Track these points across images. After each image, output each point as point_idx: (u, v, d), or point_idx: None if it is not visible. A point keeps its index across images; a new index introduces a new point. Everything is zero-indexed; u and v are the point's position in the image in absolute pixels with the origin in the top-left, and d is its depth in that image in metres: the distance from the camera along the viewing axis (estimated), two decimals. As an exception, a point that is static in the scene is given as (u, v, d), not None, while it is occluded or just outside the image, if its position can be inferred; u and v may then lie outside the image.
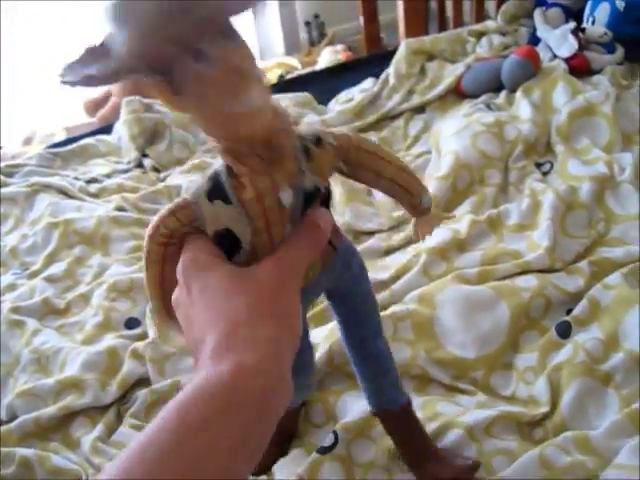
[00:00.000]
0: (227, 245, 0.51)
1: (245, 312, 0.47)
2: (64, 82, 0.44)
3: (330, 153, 0.53)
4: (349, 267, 0.64)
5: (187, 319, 0.51)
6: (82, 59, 0.44)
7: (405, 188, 0.60)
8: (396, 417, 0.75)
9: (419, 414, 0.80)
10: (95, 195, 1.43)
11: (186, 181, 1.40)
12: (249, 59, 0.45)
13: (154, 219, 0.53)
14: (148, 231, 0.54)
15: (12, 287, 1.17)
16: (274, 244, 0.52)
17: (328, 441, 0.80)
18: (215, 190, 0.49)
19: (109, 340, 1.02)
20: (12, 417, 0.93)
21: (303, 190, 0.51)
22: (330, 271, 0.60)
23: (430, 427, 0.79)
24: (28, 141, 2.61)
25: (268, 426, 0.45)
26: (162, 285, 0.57)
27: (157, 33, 0.41)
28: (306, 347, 0.70)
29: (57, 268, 1.20)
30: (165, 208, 0.52)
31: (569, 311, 0.94)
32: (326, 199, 0.56)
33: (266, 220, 0.50)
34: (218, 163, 0.50)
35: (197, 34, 0.41)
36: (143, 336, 1.03)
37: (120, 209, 1.33)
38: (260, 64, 3.04)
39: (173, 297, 0.54)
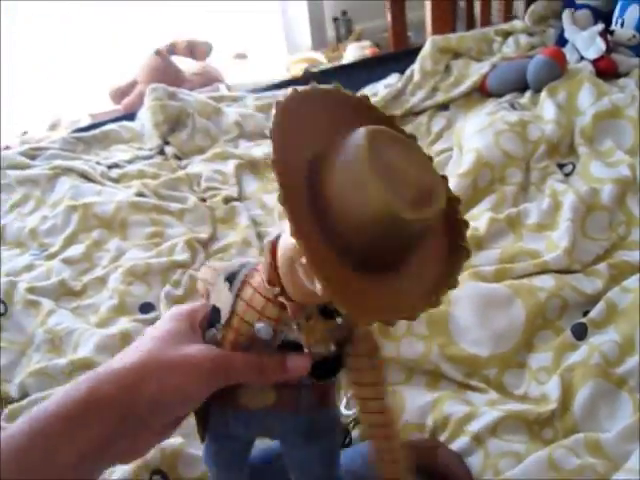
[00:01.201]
0: (213, 321, 0.54)
1: (136, 358, 0.49)
2: None
3: (326, 335, 0.52)
4: (311, 440, 0.57)
5: None
6: None
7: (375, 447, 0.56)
8: None
9: (429, 419, 0.81)
10: (116, 180, 1.44)
11: (207, 169, 1.40)
12: None
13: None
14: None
15: (30, 267, 1.18)
16: None
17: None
18: (232, 275, 0.53)
19: (123, 323, 1.02)
20: (24, 395, 0.94)
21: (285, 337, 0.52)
22: (283, 423, 0.56)
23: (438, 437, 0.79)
24: (54, 126, 2.63)
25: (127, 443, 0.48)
26: None
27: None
28: None
29: (75, 250, 1.21)
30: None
31: (586, 313, 0.93)
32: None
33: (236, 333, 0.52)
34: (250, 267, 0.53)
35: None
36: (156, 321, 1.03)
37: (140, 195, 1.33)
38: (286, 58, 3.05)
39: None
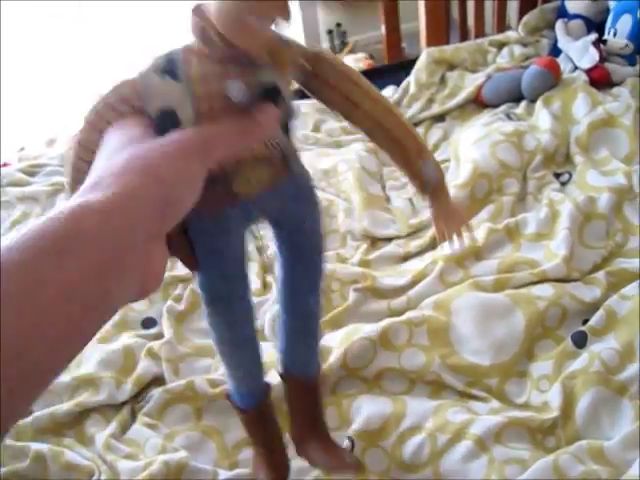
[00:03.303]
0: (167, 125, 0.48)
1: (123, 161, 0.43)
2: None
3: (294, 50, 0.51)
4: (302, 201, 0.58)
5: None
6: None
7: (393, 136, 0.55)
8: (302, 386, 0.69)
9: (430, 421, 0.81)
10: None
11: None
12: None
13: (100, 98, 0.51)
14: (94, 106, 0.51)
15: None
16: None
17: (345, 446, 0.80)
18: (167, 66, 0.48)
19: (125, 339, 1.02)
20: (28, 412, 0.94)
21: (260, 84, 0.48)
22: (279, 195, 0.55)
23: (439, 440, 0.79)
24: (51, 142, 2.64)
25: (112, 282, 0.39)
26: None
27: None
28: (247, 306, 0.62)
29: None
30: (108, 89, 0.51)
31: (585, 321, 0.94)
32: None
33: (210, 106, 0.48)
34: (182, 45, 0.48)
35: None
36: (159, 336, 1.03)
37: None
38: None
39: None
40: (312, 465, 0.72)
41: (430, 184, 0.59)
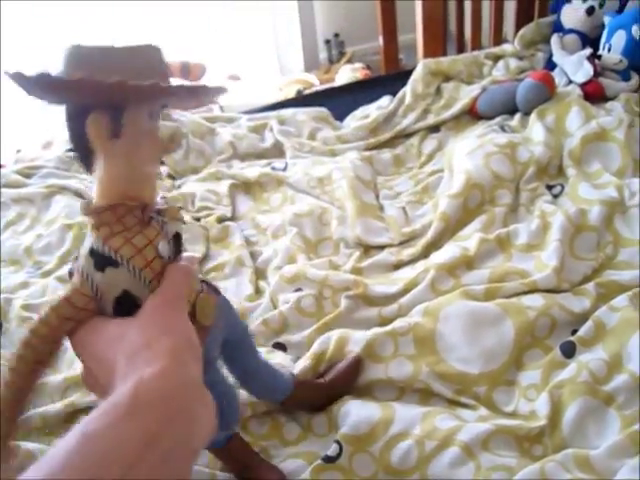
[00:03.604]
0: (127, 308, 0.52)
1: (139, 337, 0.48)
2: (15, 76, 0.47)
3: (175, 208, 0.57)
4: (230, 307, 0.73)
5: (96, 380, 0.52)
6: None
7: None
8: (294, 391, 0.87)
9: (418, 428, 0.82)
10: (110, 199, 1.45)
11: (200, 189, 1.42)
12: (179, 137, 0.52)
13: (43, 312, 0.52)
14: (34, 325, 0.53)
15: (25, 285, 1.19)
16: None
17: (332, 451, 0.81)
18: (100, 261, 0.51)
19: (117, 341, 1.03)
20: (19, 412, 0.94)
21: (171, 237, 0.55)
22: (221, 314, 0.66)
23: (427, 446, 0.80)
24: (47, 145, 2.64)
25: (179, 429, 0.46)
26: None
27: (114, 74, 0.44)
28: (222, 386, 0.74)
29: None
30: (53, 299, 0.53)
31: (574, 331, 0.95)
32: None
33: (153, 271, 0.52)
34: (87, 242, 0.52)
35: (154, 95, 0.46)
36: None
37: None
38: (279, 80, 3.07)
39: (83, 377, 0.55)
40: None
41: None
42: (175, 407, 0.45)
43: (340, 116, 1.71)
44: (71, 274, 0.53)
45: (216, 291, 0.66)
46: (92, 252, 0.51)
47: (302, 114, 1.65)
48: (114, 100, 0.47)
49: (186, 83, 0.46)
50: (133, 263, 0.51)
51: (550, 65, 1.67)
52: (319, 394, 0.89)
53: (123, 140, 0.49)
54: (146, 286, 0.53)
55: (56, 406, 0.92)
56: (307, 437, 0.87)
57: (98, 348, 0.51)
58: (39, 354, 0.54)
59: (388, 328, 0.96)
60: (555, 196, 1.26)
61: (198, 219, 1.35)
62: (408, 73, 1.72)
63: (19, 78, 0.46)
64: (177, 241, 0.57)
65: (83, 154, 0.52)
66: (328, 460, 0.80)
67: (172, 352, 0.47)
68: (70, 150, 1.73)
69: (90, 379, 0.54)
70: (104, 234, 0.51)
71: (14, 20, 2.74)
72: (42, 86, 0.47)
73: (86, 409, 0.94)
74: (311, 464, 0.81)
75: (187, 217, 1.34)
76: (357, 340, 0.94)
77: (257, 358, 0.81)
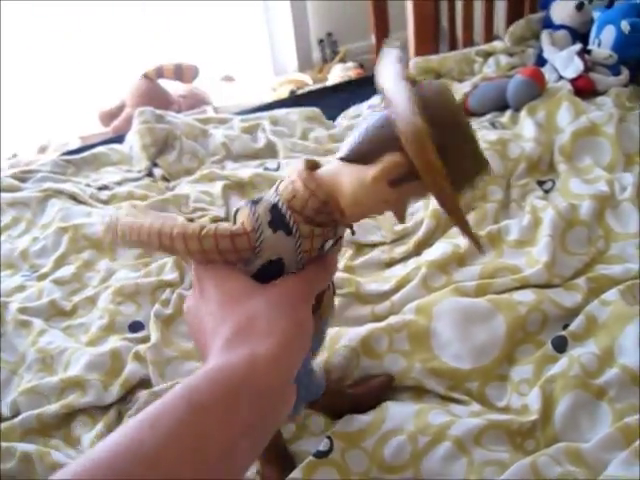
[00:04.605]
0: (272, 273, 0.55)
1: (263, 309, 0.49)
2: None
3: None
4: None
5: (197, 319, 0.54)
6: None
7: None
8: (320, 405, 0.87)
9: (410, 425, 0.82)
10: (105, 202, 1.45)
11: (194, 190, 1.42)
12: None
13: (207, 228, 0.54)
14: (193, 232, 0.55)
15: (21, 288, 1.20)
16: None
17: (324, 446, 0.81)
18: (278, 221, 0.54)
19: (113, 342, 1.03)
20: (15, 414, 0.95)
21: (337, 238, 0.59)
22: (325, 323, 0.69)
23: (420, 442, 0.80)
24: (43, 149, 2.65)
25: (271, 421, 0.47)
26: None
27: None
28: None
29: (65, 271, 1.22)
30: (221, 225, 0.55)
31: (566, 326, 0.95)
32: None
33: (309, 257, 0.55)
34: (269, 195, 0.55)
35: None
36: (146, 339, 1.04)
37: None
38: (272, 80, 3.08)
39: (185, 306, 0.57)
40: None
41: None
42: (274, 401, 0.47)
43: (333, 115, 1.71)
44: (235, 215, 0.56)
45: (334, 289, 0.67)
46: (274, 208, 0.54)
47: (294, 114, 1.66)
48: None
49: None
50: (301, 242, 0.54)
51: (540, 61, 1.67)
52: (345, 403, 0.88)
53: (401, 190, 0.50)
54: (298, 266, 0.55)
55: (52, 407, 0.93)
56: (302, 436, 0.87)
57: (222, 292, 0.52)
58: (167, 248, 0.56)
59: (383, 324, 0.96)
60: (546, 191, 1.26)
61: (192, 220, 1.35)
62: (400, 71, 1.72)
63: None
64: (337, 241, 0.60)
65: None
66: (319, 455, 0.80)
67: (288, 338, 0.48)
68: (66, 153, 1.74)
69: (189, 312, 0.56)
70: (294, 205, 0.53)
71: (14, 20, 2.74)
72: None
73: (83, 410, 0.94)
74: (306, 463, 0.81)
75: (181, 218, 1.34)
76: (352, 335, 0.95)
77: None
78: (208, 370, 0.45)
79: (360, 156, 0.52)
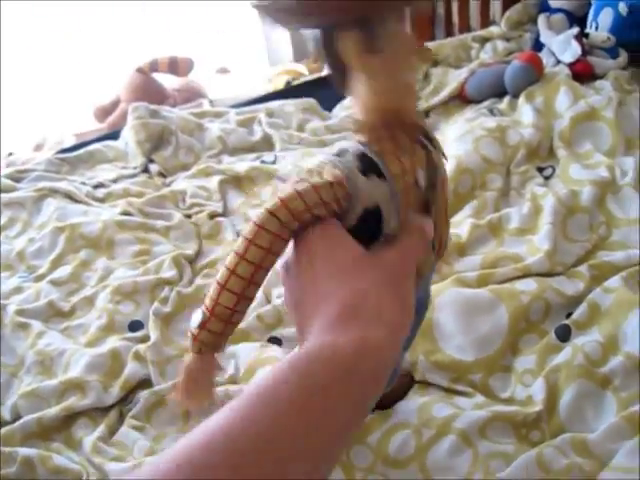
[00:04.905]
0: (369, 225, 0.52)
1: (373, 288, 0.47)
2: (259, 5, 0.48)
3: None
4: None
5: (298, 286, 0.51)
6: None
7: None
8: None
9: (415, 418, 0.82)
10: (101, 200, 1.44)
11: (191, 186, 1.41)
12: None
13: (303, 185, 0.52)
14: (269, 208, 0.52)
15: (18, 290, 1.19)
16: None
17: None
18: (367, 166, 0.51)
19: (112, 342, 1.03)
20: (16, 417, 0.94)
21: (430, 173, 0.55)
22: (425, 281, 0.66)
23: (424, 436, 0.80)
24: (39, 147, 2.64)
25: (369, 404, 0.46)
26: (236, 303, 0.53)
27: None
28: None
29: (63, 271, 1.21)
30: (313, 179, 0.52)
31: (569, 315, 0.94)
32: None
33: (407, 199, 0.53)
34: (349, 144, 0.53)
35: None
36: (145, 339, 1.04)
37: (125, 213, 1.34)
38: (268, 70, 3.06)
39: (281, 261, 0.54)
40: None
41: None
42: (378, 388, 0.45)
43: (329, 106, 1.70)
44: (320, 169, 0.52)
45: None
46: (363, 156, 0.52)
47: (290, 105, 1.65)
48: (364, 14, 0.46)
49: None
50: (395, 182, 0.51)
51: (538, 46, 1.66)
52: None
53: (382, 53, 0.47)
54: (395, 211, 0.52)
55: (52, 410, 0.92)
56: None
57: (330, 263, 0.49)
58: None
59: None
60: (546, 178, 1.25)
61: (189, 216, 1.34)
62: (396, 60, 1.71)
63: (264, 8, 0.47)
64: (433, 173, 0.56)
65: (339, 75, 0.51)
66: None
67: (396, 325, 0.47)
68: (61, 151, 1.72)
69: (288, 272, 0.54)
70: (378, 147, 0.51)
71: (14, 20, 2.72)
72: (290, 12, 0.48)
73: (84, 412, 0.94)
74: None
75: (178, 215, 1.33)
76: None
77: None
78: (317, 349, 0.43)
79: None
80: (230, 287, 0.52)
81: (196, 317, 0.54)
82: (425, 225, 0.54)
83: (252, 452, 0.38)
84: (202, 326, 0.54)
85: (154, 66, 2.72)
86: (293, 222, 0.51)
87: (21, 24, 2.78)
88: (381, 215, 0.52)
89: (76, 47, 2.90)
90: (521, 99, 1.42)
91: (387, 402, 0.85)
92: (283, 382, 0.41)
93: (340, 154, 0.53)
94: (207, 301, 0.54)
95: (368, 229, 0.52)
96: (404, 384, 0.89)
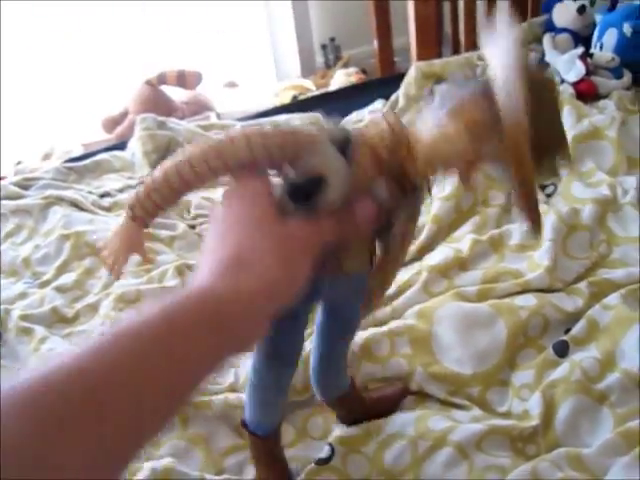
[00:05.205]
0: (309, 190, 0.54)
1: (263, 247, 0.50)
2: None
3: None
4: (359, 293, 0.68)
5: (209, 231, 0.54)
6: None
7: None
8: (343, 400, 0.84)
9: (411, 430, 0.82)
10: (107, 209, 1.46)
11: (196, 197, 1.42)
12: None
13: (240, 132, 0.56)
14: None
15: (23, 295, 1.20)
16: None
17: (325, 453, 0.81)
18: (342, 141, 0.55)
19: (114, 349, 1.03)
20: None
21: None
22: (354, 282, 0.65)
23: (420, 447, 0.80)
24: (47, 157, 2.66)
25: (232, 350, 0.48)
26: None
27: None
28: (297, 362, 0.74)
29: (67, 278, 1.23)
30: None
31: (567, 331, 0.95)
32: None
33: (355, 189, 0.55)
34: (351, 127, 0.56)
35: None
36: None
37: (131, 223, 1.35)
38: (275, 85, 3.08)
39: (211, 214, 0.58)
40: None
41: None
42: (244, 335, 0.49)
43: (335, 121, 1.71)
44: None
45: (372, 264, 0.65)
46: (347, 135, 0.55)
47: (296, 120, 1.66)
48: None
49: None
50: (355, 170, 0.55)
51: (543, 64, 1.67)
52: (360, 408, 0.87)
53: None
54: (339, 193, 0.55)
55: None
56: (302, 440, 0.88)
57: (237, 215, 0.53)
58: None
59: (385, 328, 0.96)
60: (548, 195, 1.26)
61: (193, 226, 1.35)
62: (402, 76, 1.72)
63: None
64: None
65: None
66: (321, 462, 0.80)
67: (271, 286, 0.49)
68: (68, 161, 1.74)
69: (212, 224, 0.56)
70: (371, 138, 0.55)
71: (14, 20, 2.75)
72: None
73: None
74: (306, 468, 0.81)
75: (182, 225, 1.35)
76: (354, 339, 0.95)
77: (345, 347, 0.79)
78: (193, 293, 0.47)
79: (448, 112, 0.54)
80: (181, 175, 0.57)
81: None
82: (360, 211, 0.56)
83: (109, 384, 0.39)
84: (147, 195, 0.58)
85: (162, 79, 2.75)
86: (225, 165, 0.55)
87: (29, 30, 2.81)
88: (326, 186, 0.54)
89: (83, 54, 2.92)
90: (525, 117, 1.42)
91: (379, 412, 0.86)
92: (152, 323, 0.43)
93: (337, 128, 0.56)
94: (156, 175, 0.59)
95: (311, 192, 0.54)
96: (397, 395, 0.90)
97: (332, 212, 0.55)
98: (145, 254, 0.63)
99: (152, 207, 0.58)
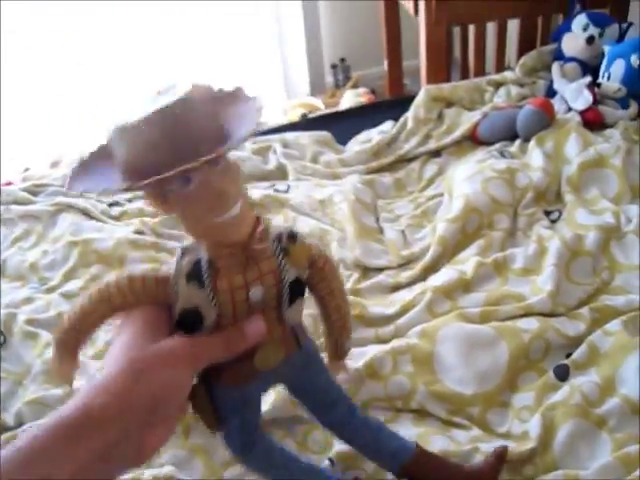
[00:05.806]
0: (190, 321, 0.58)
1: (123, 367, 0.52)
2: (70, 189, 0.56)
3: (305, 248, 0.62)
4: (308, 367, 0.70)
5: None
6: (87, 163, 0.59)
7: (345, 322, 0.71)
8: (416, 460, 0.76)
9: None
10: (116, 218, 1.47)
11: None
12: (231, 178, 0.53)
13: (133, 272, 0.58)
14: (123, 274, 0.59)
15: (29, 300, 1.21)
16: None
17: (325, 467, 0.82)
18: (193, 273, 0.56)
19: (118, 356, 1.04)
20: (19, 424, 0.96)
21: (287, 282, 0.59)
22: (290, 365, 0.67)
23: None
24: (55, 164, 2.67)
25: (115, 465, 0.51)
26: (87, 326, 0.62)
27: (149, 157, 0.50)
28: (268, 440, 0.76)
29: (74, 285, 1.23)
30: (148, 268, 0.59)
31: (568, 355, 0.96)
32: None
33: (234, 310, 0.58)
34: (202, 251, 0.56)
35: (181, 161, 0.48)
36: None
37: (139, 232, 1.36)
38: (284, 103, 3.10)
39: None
40: None
41: (344, 353, 0.75)
42: (103, 445, 0.50)
43: (343, 140, 1.72)
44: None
45: (298, 343, 0.67)
46: (197, 263, 0.56)
47: (305, 137, 1.67)
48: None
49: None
50: (218, 296, 0.56)
51: (551, 92, 1.69)
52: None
53: (171, 203, 0.53)
54: (214, 317, 0.58)
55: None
56: (303, 454, 0.88)
57: (120, 343, 0.55)
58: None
59: (387, 347, 0.97)
60: (553, 221, 1.27)
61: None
62: (411, 99, 1.74)
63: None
64: (297, 286, 0.61)
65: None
66: (322, 477, 0.81)
67: (120, 398, 0.51)
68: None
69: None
70: (218, 263, 0.56)
71: (14, 20, 2.77)
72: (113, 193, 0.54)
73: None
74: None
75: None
76: (356, 357, 0.95)
77: (352, 423, 0.75)
78: (62, 411, 0.50)
79: None
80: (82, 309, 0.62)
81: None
82: (246, 326, 0.59)
83: None
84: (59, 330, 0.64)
85: (173, 92, 2.76)
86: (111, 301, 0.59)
87: (31, 23, 2.82)
88: (202, 315, 0.57)
89: (76, 47, 2.93)
90: (532, 143, 1.44)
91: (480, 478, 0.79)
92: (32, 437, 0.48)
93: (185, 252, 0.57)
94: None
95: (189, 322, 0.58)
96: (499, 458, 0.80)
97: (221, 330, 0.59)
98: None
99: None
